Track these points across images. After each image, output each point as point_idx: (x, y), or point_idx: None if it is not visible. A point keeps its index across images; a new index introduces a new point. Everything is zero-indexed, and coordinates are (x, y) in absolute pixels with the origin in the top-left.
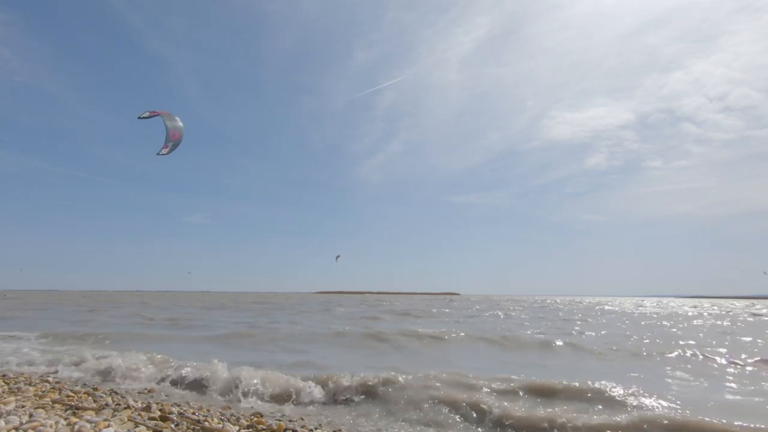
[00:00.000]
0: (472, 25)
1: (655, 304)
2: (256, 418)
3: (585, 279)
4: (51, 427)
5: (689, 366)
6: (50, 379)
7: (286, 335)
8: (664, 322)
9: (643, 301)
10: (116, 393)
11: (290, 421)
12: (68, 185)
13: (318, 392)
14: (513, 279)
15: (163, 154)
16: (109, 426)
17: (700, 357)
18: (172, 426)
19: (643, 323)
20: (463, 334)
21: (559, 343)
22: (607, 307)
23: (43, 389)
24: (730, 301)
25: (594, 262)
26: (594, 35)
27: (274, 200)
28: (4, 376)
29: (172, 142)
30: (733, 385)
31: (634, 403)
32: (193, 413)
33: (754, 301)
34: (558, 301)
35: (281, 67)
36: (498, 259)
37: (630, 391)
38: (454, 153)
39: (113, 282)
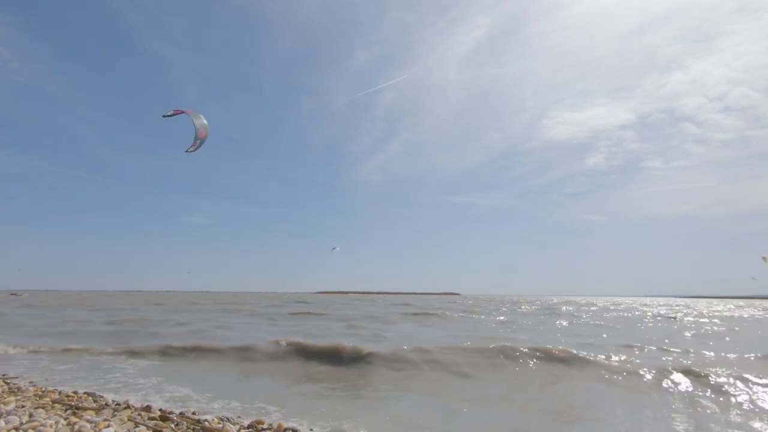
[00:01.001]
0: (472, 25)
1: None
2: (256, 419)
3: (585, 279)
4: (51, 427)
5: None
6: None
7: (221, 350)
8: None
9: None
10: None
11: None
12: (68, 185)
13: None
14: (513, 279)
15: (191, 152)
16: (109, 426)
17: None
18: (172, 426)
19: None
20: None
21: None
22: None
23: (43, 389)
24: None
25: (594, 262)
26: (594, 35)
27: (274, 200)
28: (4, 375)
29: (200, 139)
30: None
31: None
32: (193, 413)
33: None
34: (596, 303)
35: (281, 67)
36: (498, 259)
37: None
38: (454, 153)
39: (113, 282)
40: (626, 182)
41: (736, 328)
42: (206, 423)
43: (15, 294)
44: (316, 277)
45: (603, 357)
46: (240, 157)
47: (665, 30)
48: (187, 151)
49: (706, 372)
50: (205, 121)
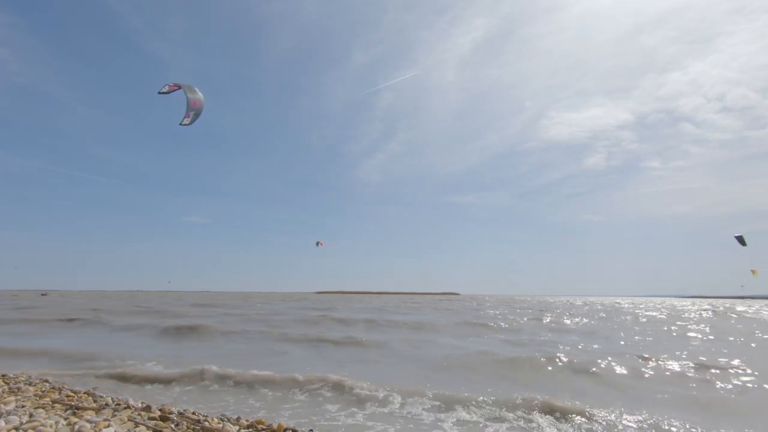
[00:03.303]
0: (470, 26)
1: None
2: (256, 419)
3: (585, 279)
4: (51, 427)
5: None
6: (50, 378)
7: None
8: None
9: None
10: (117, 393)
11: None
12: (68, 185)
13: None
14: (513, 279)
15: (185, 124)
16: (109, 426)
17: None
18: (172, 426)
19: None
20: None
21: None
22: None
23: (43, 389)
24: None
25: (593, 262)
26: (591, 37)
27: (274, 200)
28: (4, 376)
29: (194, 111)
30: None
31: None
32: (193, 413)
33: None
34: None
35: (280, 68)
36: (497, 259)
37: None
38: (453, 153)
39: (113, 282)
40: (625, 182)
41: None
42: (206, 423)
43: (45, 294)
44: (316, 277)
45: None
46: (240, 158)
47: (663, 31)
48: (181, 124)
49: None
50: (200, 95)
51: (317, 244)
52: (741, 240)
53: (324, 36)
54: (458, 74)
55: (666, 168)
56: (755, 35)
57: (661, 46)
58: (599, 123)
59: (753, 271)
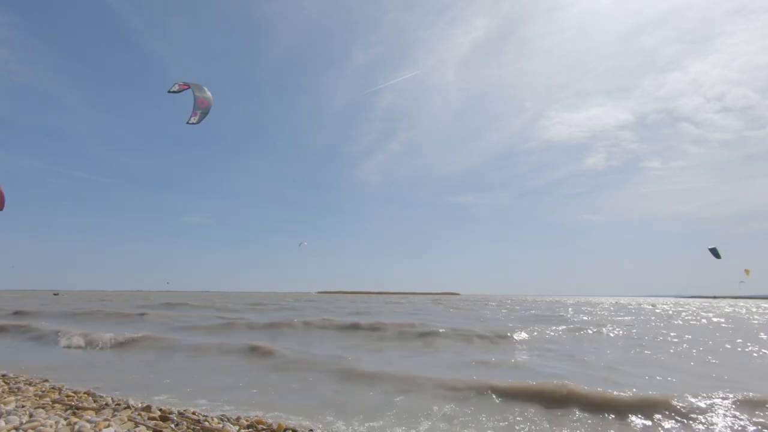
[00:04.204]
0: (470, 26)
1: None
2: (256, 418)
3: (585, 278)
4: (51, 427)
5: None
6: (50, 378)
7: None
8: None
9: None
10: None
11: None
12: (68, 185)
13: None
14: (513, 279)
15: (192, 123)
16: (109, 426)
17: None
18: (172, 426)
19: None
20: None
21: None
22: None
23: (43, 389)
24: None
25: (593, 262)
26: (591, 37)
27: (274, 200)
28: (4, 375)
29: (201, 110)
30: None
31: None
32: (193, 413)
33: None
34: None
35: (280, 68)
36: (497, 259)
37: None
38: (453, 153)
39: (113, 282)
40: (625, 182)
41: None
42: (206, 423)
43: (57, 294)
44: (317, 277)
45: None
46: (240, 158)
47: (662, 31)
48: (188, 123)
49: None
50: (209, 94)
51: (300, 244)
52: (715, 252)
53: (324, 36)
54: (458, 74)
55: (666, 168)
56: (755, 35)
57: (661, 46)
58: (599, 123)
59: (746, 271)
